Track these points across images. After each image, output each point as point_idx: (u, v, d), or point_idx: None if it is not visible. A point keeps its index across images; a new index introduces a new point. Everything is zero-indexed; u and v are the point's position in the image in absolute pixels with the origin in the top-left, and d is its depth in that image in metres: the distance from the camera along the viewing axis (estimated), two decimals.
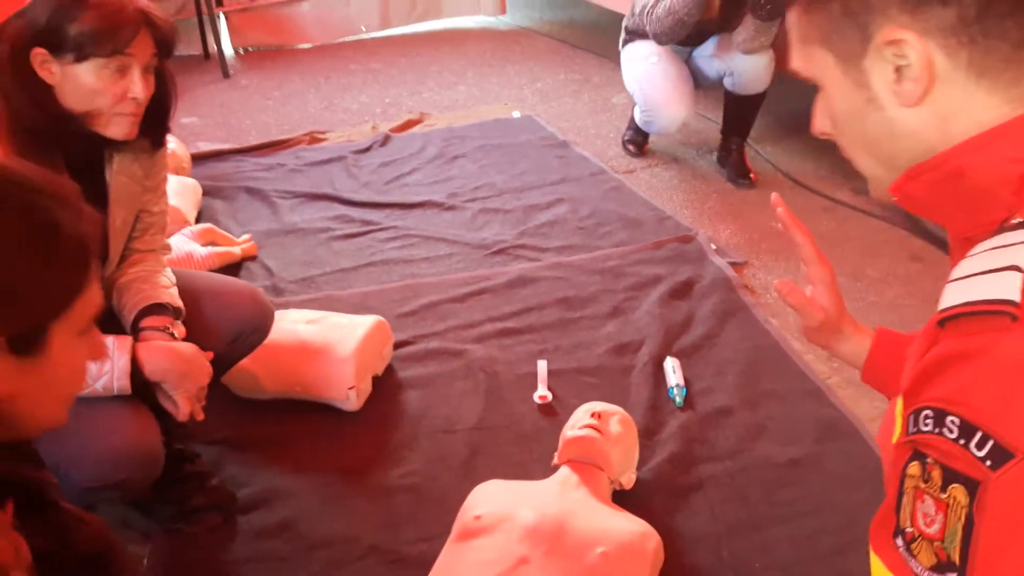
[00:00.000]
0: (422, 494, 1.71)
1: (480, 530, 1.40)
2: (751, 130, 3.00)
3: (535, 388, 1.97)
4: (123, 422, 1.34)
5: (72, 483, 1.31)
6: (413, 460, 1.80)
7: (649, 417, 1.86)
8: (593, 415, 1.61)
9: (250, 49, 4.52)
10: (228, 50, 4.41)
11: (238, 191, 2.97)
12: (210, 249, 2.45)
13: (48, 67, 1.30)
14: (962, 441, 0.57)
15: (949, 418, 0.58)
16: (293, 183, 3.03)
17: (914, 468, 0.61)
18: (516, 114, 3.60)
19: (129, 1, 1.34)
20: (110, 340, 1.35)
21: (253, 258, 2.57)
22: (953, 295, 0.62)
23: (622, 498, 1.60)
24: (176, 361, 1.40)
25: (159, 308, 1.48)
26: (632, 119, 3.15)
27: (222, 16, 4.39)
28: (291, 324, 1.97)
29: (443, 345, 2.14)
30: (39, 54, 1.29)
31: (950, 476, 0.58)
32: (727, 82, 2.86)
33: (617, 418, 1.62)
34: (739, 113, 2.94)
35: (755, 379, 1.99)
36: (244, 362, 1.83)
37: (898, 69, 0.66)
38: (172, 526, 1.60)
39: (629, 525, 1.44)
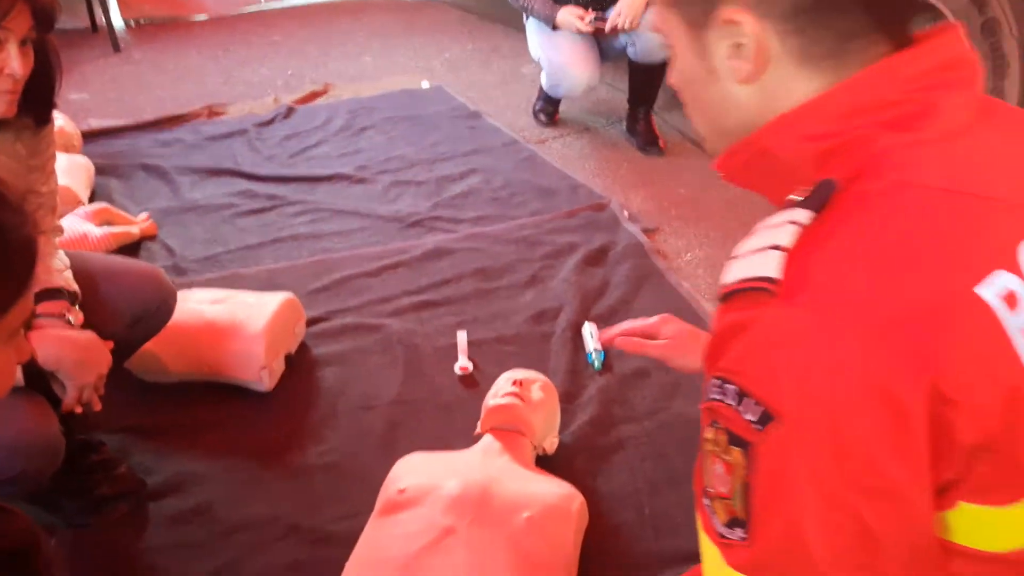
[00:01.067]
0: (343, 471, 1.67)
1: (404, 503, 1.38)
2: (657, 98, 3.03)
3: (455, 360, 1.95)
4: (17, 413, 1.25)
5: None
6: (331, 438, 1.76)
7: (569, 381, 1.87)
8: (515, 383, 1.60)
9: (142, 21, 4.30)
10: (118, 22, 4.18)
11: (134, 169, 2.82)
12: (106, 229, 2.32)
13: None
14: (737, 407, 0.62)
15: (728, 386, 0.63)
16: (192, 159, 2.90)
17: (709, 432, 0.66)
18: (425, 84, 3.54)
19: None
20: None
21: (153, 238, 2.46)
22: (731, 272, 0.66)
23: (545, 462, 1.60)
24: (71, 350, 1.32)
25: (53, 293, 1.39)
26: (541, 88, 3.15)
27: None
28: (196, 304, 1.89)
29: (359, 320, 2.10)
30: None
31: (732, 439, 0.63)
32: (630, 52, 2.87)
33: (538, 384, 1.62)
34: (644, 81, 2.96)
35: None
36: (147, 344, 1.75)
37: (736, 46, 0.69)
38: (79, 520, 1.51)
39: (553, 488, 1.44)
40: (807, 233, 0.63)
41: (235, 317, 1.85)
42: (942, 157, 0.65)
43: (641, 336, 1.23)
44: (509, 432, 1.54)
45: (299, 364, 1.95)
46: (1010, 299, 0.61)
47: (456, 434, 1.73)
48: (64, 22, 4.13)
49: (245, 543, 1.51)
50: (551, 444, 1.62)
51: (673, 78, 0.79)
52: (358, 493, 1.58)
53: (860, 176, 0.64)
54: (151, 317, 1.58)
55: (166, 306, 1.61)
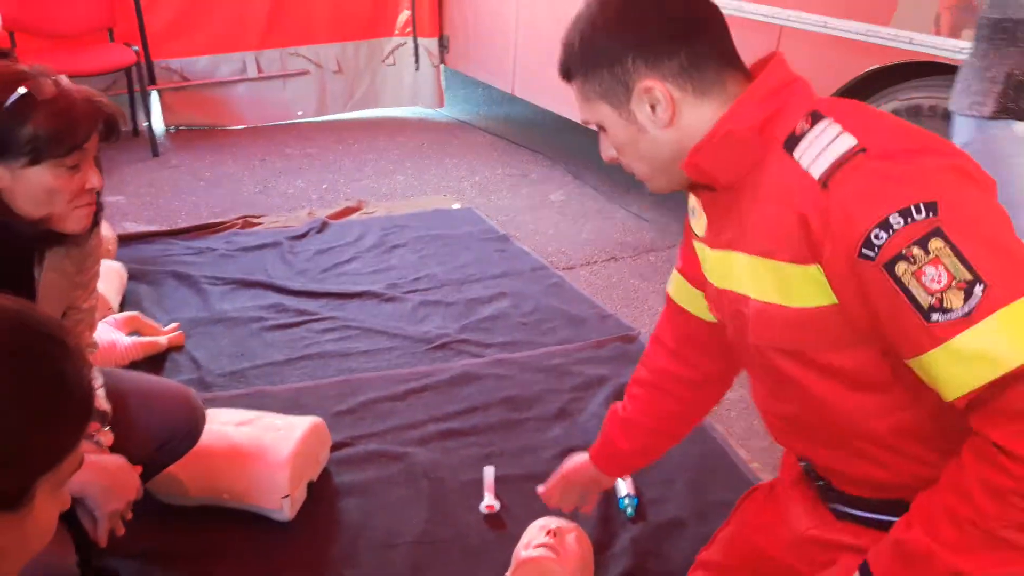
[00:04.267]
0: None
1: None
2: None
3: (481, 496, 1.88)
4: None
5: None
6: None
7: (600, 530, 1.79)
8: (548, 532, 1.54)
9: (182, 128, 4.43)
10: (159, 127, 4.32)
11: (165, 276, 2.84)
12: (134, 339, 2.31)
13: None
14: (911, 219, 0.83)
15: (890, 219, 0.83)
16: (224, 269, 2.92)
17: (901, 266, 0.84)
18: (456, 206, 3.59)
19: (76, 92, 1.28)
20: None
21: (180, 348, 2.43)
22: (818, 164, 0.90)
23: None
24: (99, 476, 1.27)
25: None
26: None
27: (155, 94, 4.30)
28: (221, 425, 1.84)
29: (383, 447, 2.04)
30: None
31: (923, 242, 0.83)
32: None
33: (573, 535, 1.56)
34: None
35: (704, 488, 1.96)
36: (170, 466, 1.70)
37: (652, 106, 0.99)
38: None
39: None
40: (841, 121, 0.91)
41: (261, 442, 1.80)
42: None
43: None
44: None
45: (321, 493, 1.88)
46: None
47: None
48: None
49: None
50: None
51: (606, 153, 1.08)
52: None
53: (819, 111, 0.95)
54: (180, 440, 1.55)
55: (196, 429, 1.58)
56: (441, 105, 4.94)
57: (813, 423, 1.07)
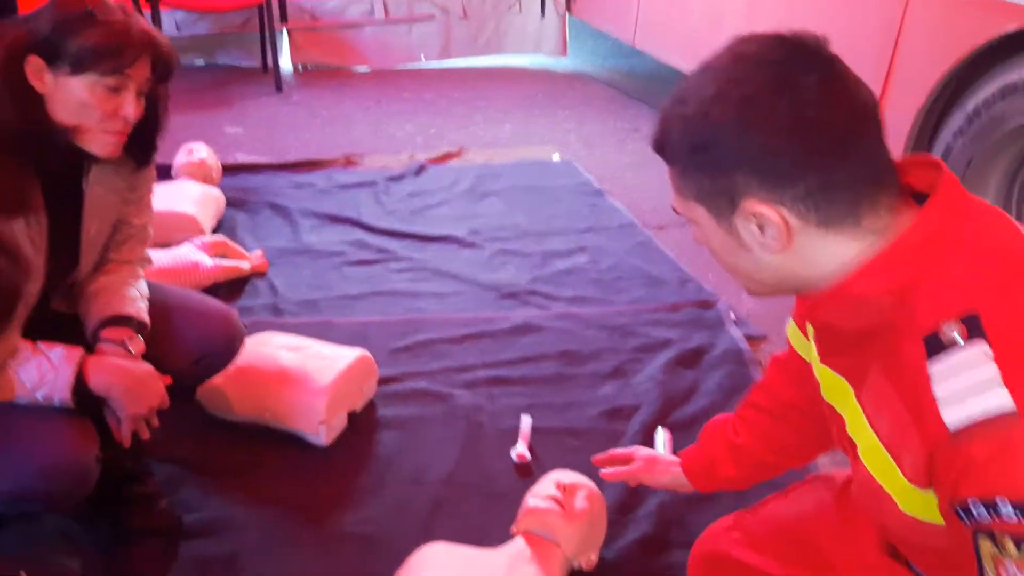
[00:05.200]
0: (374, 545, 1.62)
1: None
2: None
3: (515, 444, 1.87)
4: (54, 435, 1.29)
5: None
6: (373, 507, 1.71)
7: (628, 491, 1.73)
8: (558, 486, 1.50)
9: (308, 67, 4.58)
10: (287, 66, 4.48)
11: (262, 206, 2.96)
12: (217, 261, 2.43)
13: (41, 76, 1.28)
14: (1018, 516, 0.72)
15: (999, 501, 0.72)
16: (319, 204, 3.01)
17: (986, 546, 0.75)
18: (556, 158, 3.54)
19: (135, 22, 1.33)
20: (57, 351, 1.31)
21: (262, 275, 2.54)
22: (957, 412, 0.75)
23: None
24: (123, 378, 1.35)
25: (121, 320, 1.44)
26: None
27: (285, 32, 4.46)
28: (273, 349, 1.92)
29: (429, 387, 2.06)
30: (34, 63, 1.27)
31: (1019, 540, 0.72)
32: None
33: (584, 493, 1.51)
34: None
35: None
36: (218, 381, 1.79)
37: (761, 227, 0.82)
38: (110, 546, 1.54)
39: None
40: (1002, 360, 0.74)
41: (305, 368, 1.85)
42: (997, 252, 0.80)
43: (621, 461, 1.43)
44: (543, 540, 1.44)
45: (361, 423, 1.93)
46: None
47: (497, 526, 1.63)
48: (240, 59, 4.51)
49: None
50: (589, 561, 1.50)
51: (699, 240, 0.90)
52: (383, 572, 1.51)
53: (980, 304, 0.76)
54: (215, 357, 1.61)
55: (231, 348, 1.64)
56: (564, 54, 4.85)
57: (905, 539, 0.98)
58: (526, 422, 1.92)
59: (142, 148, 1.46)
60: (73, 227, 1.43)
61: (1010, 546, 0.73)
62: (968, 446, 0.74)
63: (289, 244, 2.74)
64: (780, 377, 1.23)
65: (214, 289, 2.38)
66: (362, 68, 4.62)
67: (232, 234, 2.71)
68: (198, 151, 2.90)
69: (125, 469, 1.56)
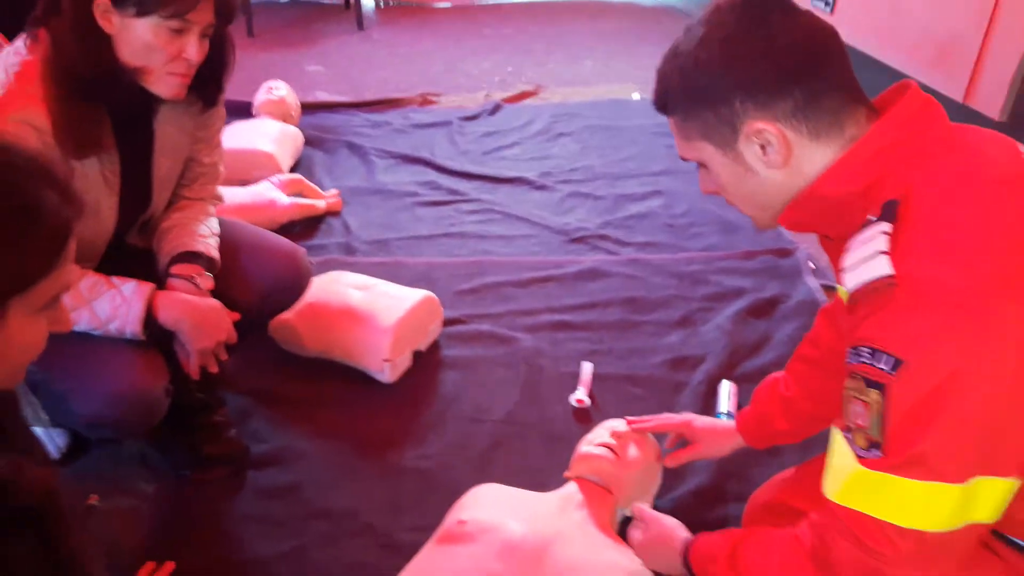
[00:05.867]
0: (432, 480, 1.66)
1: (461, 536, 1.33)
2: None
3: (575, 390, 1.87)
4: (125, 366, 1.35)
5: (73, 414, 1.35)
6: (433, 443, 1.75)
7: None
8: (612, 434, 1.50)
9: (391, 3, 4.56)
10: (368, 3, 4.47)
11: (340, 145, 3.00)
12: (293, 200, 2.48)
13: (108, 17, 1.30)
14: (872, 362, 0.83)
15: (864, 348, 0.84)
16: (394, 143, 3.03)
17: (850, 383, 0.87)
18: (636, 96, 3.44)
19: None
20: (129, 285, 1.37)
21: (336, 214, 2.59)
22: (852, 279, 0.87)
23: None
24: (190, 313, 1.40)
25: (191, 256, 1.49)
26: None
27: None
28: (343, 287, 1.96)
29: (494, 329, 2.08)
30: (101, 4, 1.30)
31: (868, 383, 0.84)
32: None
33: (638, 442, 1.50)
34: None
35: None
36: (289, 317, 1.85)
37: (763, 146, 0.93)
38: (182, 471, 1.63)
39: (623, 562, 1.32)
40: (896, 237, 0.84)
41: (372, 307, 1.89)
42: (954, 167, 0.88)
43: (676, 435, 1.50)
44: (595, 486, 1.44)
45: (425, 362, 1.96)
46: None
47: (554, 469, 1.64)
48: None
49: (319, 532, 1.54)
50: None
51: (709, 187, 1.03)
52: (439, 506, 1.54)
53: (909, 195, 0.86)
54: (282, 294, 1.66)
55: (298, 286, 1.68)
56: None
57: None
58: (587, 368, 1.92)
59: (209, 89, 1.48)
60: (145, 165, 1.48)
61: (860, 385, 0.85)
62: (856, 307, 0.87)
63: (363, 184, 2.77)
64: (827, 327, 1.26)
65: (289, 227, 2.44)
66: (443, 4, 4.57)
67: (309, 173, 2.75)
68: (278, 90, 2.94)
69: (197, 400, 1.63)
